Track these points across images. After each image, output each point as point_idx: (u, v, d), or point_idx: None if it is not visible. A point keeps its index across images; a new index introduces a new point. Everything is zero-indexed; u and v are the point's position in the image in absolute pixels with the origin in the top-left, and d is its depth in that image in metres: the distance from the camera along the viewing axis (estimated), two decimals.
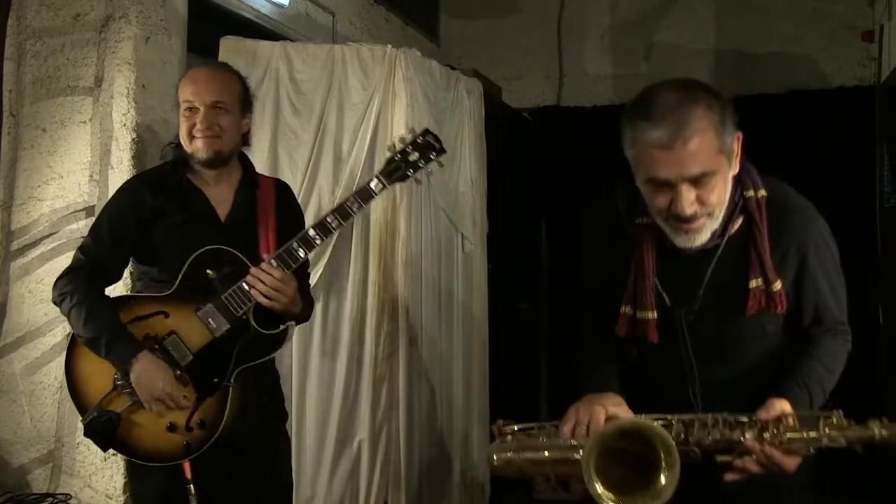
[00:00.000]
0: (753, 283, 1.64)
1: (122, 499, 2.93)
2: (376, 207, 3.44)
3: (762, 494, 1.62)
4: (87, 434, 2.04)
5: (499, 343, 4.23)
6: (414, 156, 2.25)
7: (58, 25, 3.15)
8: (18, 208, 3.13)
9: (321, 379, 3.41)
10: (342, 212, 2.20)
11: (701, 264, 1.67)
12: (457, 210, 3.88)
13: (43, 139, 3.14)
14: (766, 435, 1.49)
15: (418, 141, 2.26)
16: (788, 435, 1.49)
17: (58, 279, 2.19)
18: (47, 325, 3.08)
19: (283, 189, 2.46)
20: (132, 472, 2.27)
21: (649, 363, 1.79)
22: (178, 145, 2.27)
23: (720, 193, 1.58)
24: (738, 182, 1.67)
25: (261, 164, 3.34)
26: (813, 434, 1.48)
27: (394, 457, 3.44)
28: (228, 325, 2.14)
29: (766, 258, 1.63)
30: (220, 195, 2.25)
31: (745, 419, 1.53)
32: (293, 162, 3.38)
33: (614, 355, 1.78)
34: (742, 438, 1.51)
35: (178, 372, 2.10)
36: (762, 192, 1.68)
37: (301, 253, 2.17)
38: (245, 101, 2.32)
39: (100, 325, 2.11)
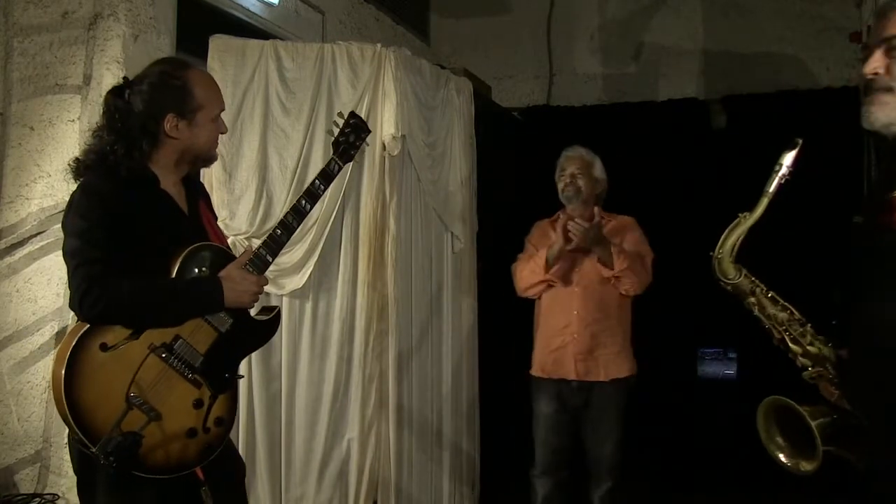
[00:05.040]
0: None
1: None
2: (366, 206, 3.44)
3: None
4: (108, 458, 1.87)
5: (488, 342, 4.23)
6: (352, 137, 2.50)
7: (46, 23, 3.14)
8: (6, 207, 3.12)
9: (311, 378, 3.40)
10: (311, 194, 2.34)
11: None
12: (447, 209, 3.88)
13: (31, 138, 3.13)
14: None
15: (350, 123, 2.52)
16: None
17: (82, 302, 1.97)
18: (35, 324, 3.06)
19: (204, 187, 2.49)
20: (123, 487, 1.99)
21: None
22: (147, 132, 2.13)
23: None
24: None
25: (250, 163, 3.34)
26: None
27: (383, 456, 3.44)
28: (232, 320, 2.14)
29: None
30: (177, 194, 2.21)
31: None
32: (283, 161, 3.38)
33: None
34: None
35: (192, 375, 2.06)
36: None
37: (284, 239, 2.27)
38: None
39: (166, 297, 2.06)
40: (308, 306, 3.40)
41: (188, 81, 2.15)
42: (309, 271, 3.35)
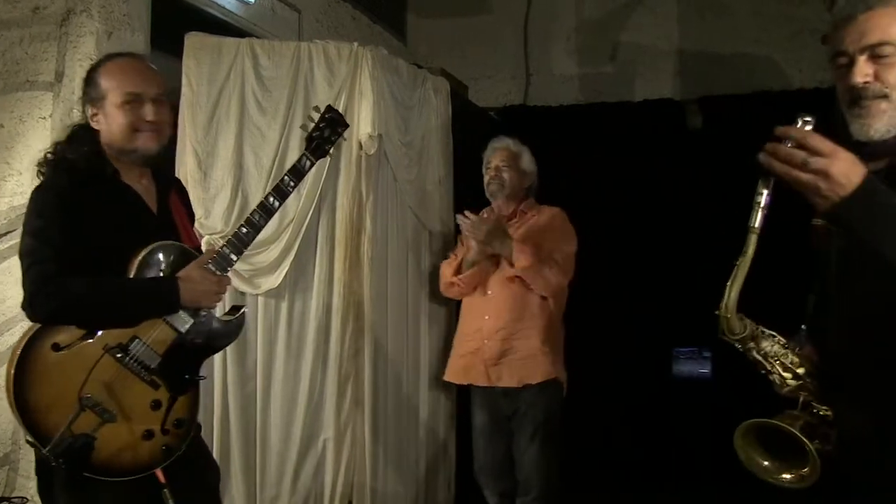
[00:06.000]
0: None
1: None
2: (342, 205, 3.42)
3: None
4: (58, 460, 1.86)
5: None
6: (326, 132, 2.40)
7: (16, 18, 3.09)
8: None
9: (286, 378, 3.38)
10: (280, 191, 2.25)
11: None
12: (424, 208, 3.87)
13: (0, 135, 3.08)
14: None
15: (326, 117, 2.42)
16: None
17: (32, 301, 1.94)
18: (4, 324, 3.02)
19: (180, 182, 2.46)
20: (79, 488, 1.96)
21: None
22: (87, 127, 2.11)
23: None
24: None
25: (226, 162, 3.31)
26: None
27: (359, 456, 3.43)
28: (193, 320, 2.09)
29: None
30: (144, 189, 2.16)
31: None
32: (258, 160, 3.36)
33: None
34: None
35: (149, 376, 2.02)
36: None
37: (249, 238, 2.18)
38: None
39: (119, 297, 2.02)
40: (284, 306, 3.38)
41: (97, 71, 2.11)
42: (285, 271, 3.33)
